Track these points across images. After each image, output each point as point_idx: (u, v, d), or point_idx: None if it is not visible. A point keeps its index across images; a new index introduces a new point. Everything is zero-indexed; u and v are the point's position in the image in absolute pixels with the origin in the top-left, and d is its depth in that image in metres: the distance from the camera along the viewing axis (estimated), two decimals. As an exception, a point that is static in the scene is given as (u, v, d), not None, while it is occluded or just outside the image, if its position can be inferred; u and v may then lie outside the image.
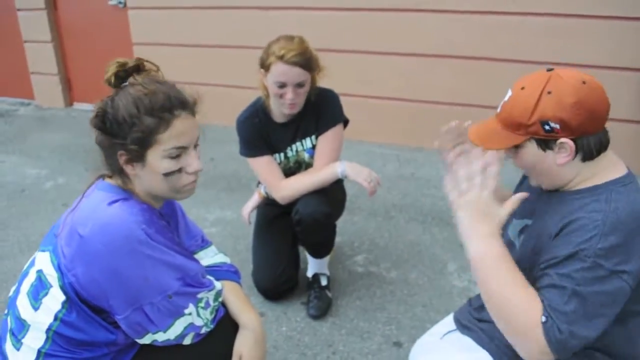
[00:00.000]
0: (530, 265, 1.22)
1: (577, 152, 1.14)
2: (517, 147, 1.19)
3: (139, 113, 1.17)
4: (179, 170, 1.23)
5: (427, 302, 2.34)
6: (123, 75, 1.22)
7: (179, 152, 1.22)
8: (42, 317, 1.21)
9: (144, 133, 1.18)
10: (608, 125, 1.18)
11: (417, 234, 2.88)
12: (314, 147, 2.24)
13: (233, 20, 4.42)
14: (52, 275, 1.20)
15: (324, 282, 2.36)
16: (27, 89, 5.73)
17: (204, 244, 1.57)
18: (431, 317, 2.22)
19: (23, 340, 1.22)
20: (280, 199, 2.19)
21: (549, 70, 1.16)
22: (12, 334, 1.25)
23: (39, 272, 1.23)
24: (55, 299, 1.19)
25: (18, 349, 1.23)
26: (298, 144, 2.24)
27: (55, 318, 1.20)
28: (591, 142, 1.14)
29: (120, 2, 4.90)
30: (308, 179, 2.15)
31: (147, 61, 1.26)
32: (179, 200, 1.34)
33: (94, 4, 5.06)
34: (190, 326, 1.25)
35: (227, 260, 1.57)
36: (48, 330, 1.20)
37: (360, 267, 2.61)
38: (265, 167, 2.20)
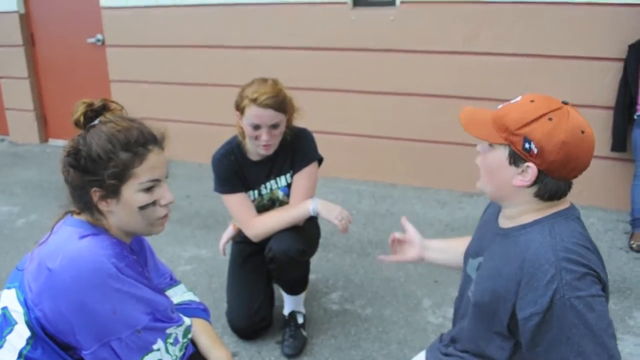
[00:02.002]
0: (492, 302, 1.24)
1: (534, 183, 1.17)
2: (491, 145, 1.22)
3: (115, 149, 1.20)
4: (153, 203, 1.26)
5: (402, 339, 2.33)
6: (91, 115, 1.25)
7: (152, 185, 1.25)
8: (5, 355, 1.19)
9: (119, 168, 1.21)
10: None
11: (392, 271, 2.89)
12: (288, 185, 2.26)
13: (210, 58, 4.48)
14: (17, 312, 1.19)
15: (300, 320, 2.35)
16: (2, 124, 5.69)
17: (173, 282, 1.57)
18: (406, 354, 2.22)
19: None
20: (252, 237, 2.20)
21: (565, 103, 1.18)
22: None
23: (4, 309, 1.22)
24: (19, 336, 1.18)
25: None
26: (273, 182, 2.26)
27: (20, 355, 1.18)
28: (550, 184, 1.17)
29: (98, 40, 4.94)
30: (280, 216, 2.17)
31: (112, 101, 1.29)
32: (151, 235, 1.35)
33: (72, 41, 5.09)
34: None
35: (196, 298, 1.57)
36: None
37: (335, 305, 2.61)
38: (238, 204, 2.21)
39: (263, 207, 2.28)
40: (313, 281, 2.76)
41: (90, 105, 1.25)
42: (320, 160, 2.31)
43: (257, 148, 2.13)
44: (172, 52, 4.61)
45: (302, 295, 2.38)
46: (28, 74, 5.33)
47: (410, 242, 1.69)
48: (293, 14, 4.09)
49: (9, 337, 1.19)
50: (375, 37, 3.90)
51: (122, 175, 1.22)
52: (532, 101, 1.18)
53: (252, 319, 2.29)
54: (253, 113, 2.04)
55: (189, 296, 1.56)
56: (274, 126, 2.07)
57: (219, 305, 2.52)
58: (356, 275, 2.86)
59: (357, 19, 3.90)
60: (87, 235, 1.20)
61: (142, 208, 1.25)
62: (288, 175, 2.25)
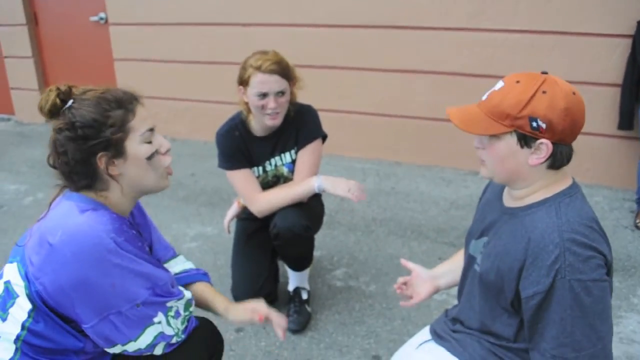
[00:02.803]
0: (497, 279, 1.25)
1: (549, 157, 1.17)
2: (494, 136, 1.20)
3: (108, 107, 1.24)
4: (157, 152, 1.32)
5: (406, 316, 2.36)
6: (63, 98, 1.27)
7: (151, 135, 1.30)
8: (9, 327, 1.21)
9: (117, 124, 1.24)
10: (583, 139, 1.21)
11: (396, 248, 2.90)
12: (293, 161, 2.27)
13: (213, 36, 4.45)
14: (19, 285, 1.21)
15: (304, 296, 2.37)
16: (7, 104, 5.70)
17: (175, 254, 1.62)
18: (409, 330, 2.24)
19: None
20: (257, 212, 2.21)
21: (544, 73, 1.18)
22: None
23: (7, 283, 1.24)
24: (21, 309, 1.20)
25: None
26: (277, 158, 2.27)
27: (23, 327, 1.21)
28: (564, 151, 1.17)
29: (101, 18, 4.91)
30: (285, 193, 2.17)
31: (73, 85, 1.31)
32: (160, 190, 1.37)
33: (75, 20, 5.07)
34: (161, 335, 1.26)
35: (195, 266, 1.64)
36: (16, 340, 1.21)
37: (340, 281, 2.63)
38: (243, 179, 2.22)
39: (267, 183, 2.29)
40: (317, 258, 2.78)
41: (58, 89, 1.27)
42: (324, 137, 2.31)
43: (264, 119, 2.11)
44: (175, 30, 4.59)
45: (307, 272, 2.40)
46: (32, 53, 5.33)
47: (417, 279, 1.64)
48: (297, -9, 4.06)
49: (11, 310, 1.21)
50: (379, 14, 3.86)
51: (123, 130, 1.25)
52: (517, 82, 1.17)
53: (256, 295, 2.30)
54: (258, 80, 2.03)
55: (189, 265, 1.61)
56: (280, 93, 2.07)
57: (224, 281, 2.54)
58: (360, 252, 2.88)
59: (361, -5, 3.87)
60: (87, 210, 1.22)
61: (149, 158, 1.29)
62: (292, 151, 2.26)
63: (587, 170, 3.57)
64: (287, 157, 2.27)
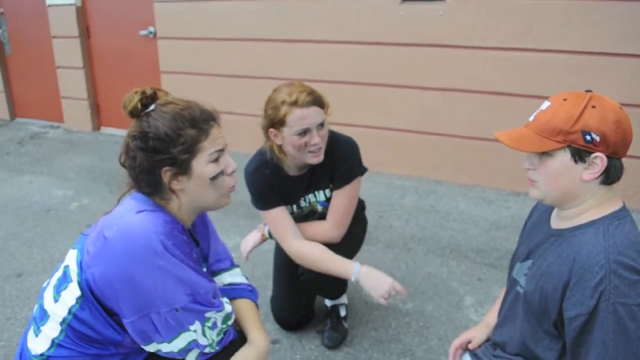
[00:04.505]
0: (541, 300, 1.23)
1: (604, 171, 1.16)
2: (545, 154, 1.19)
3: (183, 125, 1.27)
4: (222, 173, 1.34)
5: (443, 335, 2.32)
6: (145, 102, 1.31)
7: (219, 155, 1.33)
8: (59, 309, 1.27)
9: (188, 144, 1.27)
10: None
11: (435, 267, 2.87)
12: (327, 199, 2.11)
13: (257, 51, 4.53)
14: (73, 271, 1.28)
15: (342, 312, 2.36)
16: (58, 112, 5.92)
17: (231, 266, 1.64)
18: (446, 350, 2.20)
19: (42, 329, 1.30)
20: (289, 255, 2.09)
21: (588, 91, 1.19)
22: (35, 321, 1.33)
23: (66, 267, 1.31)
24: (71, 294, 1.26)
25: (37, 336, 1.31)
26: (311, 195, 2.12)
27: (69, 312, 1.26)
28: (617, 165, 1.16)
29: (150, 33, 5.06)
30: (320, 260, 2.00)
31: (159, 89, 1.35)
32: (221, 207, 1.41)
33: (125, 34, 5.25)
34: (194, 342, 1.28)
35: (247, 281, 1.64)
36: (62, 322, 1.27)
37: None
38: (277, 220, 2.06)
39: (303, 218, 2.19)
40: (354, 274, 2.77)
41: (143, 93, 1.31)
42: (363, 172, 2.14)
43: (306, 158, 1.92)
44: (220, 45, 4.69)
45: (344, 295, 2.38)
46: (83, 64, 5.53)
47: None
48: (341, 8, 4.09)
49: (63, 293, 1.28)
50: (424, 32, 3.86)
51: (191, 150, 1.28)
52: (564, 99, 1.18)
53: (296, 315, 2.33)
54: (298, 116, 1.83)
55: (241, 278, 1.62)
56: (320, 125, 1.88)
57: (262, 293, 2.53)
58: (398, 270, 2.86)
59: (405, 13, 3.88)
60: (144, 211, 1.26)
61: (213, 178, 1.32)
62: (327, 190, 2.10)
63: (634, 194, 3.46)
64: (321, 195, 2.11)
